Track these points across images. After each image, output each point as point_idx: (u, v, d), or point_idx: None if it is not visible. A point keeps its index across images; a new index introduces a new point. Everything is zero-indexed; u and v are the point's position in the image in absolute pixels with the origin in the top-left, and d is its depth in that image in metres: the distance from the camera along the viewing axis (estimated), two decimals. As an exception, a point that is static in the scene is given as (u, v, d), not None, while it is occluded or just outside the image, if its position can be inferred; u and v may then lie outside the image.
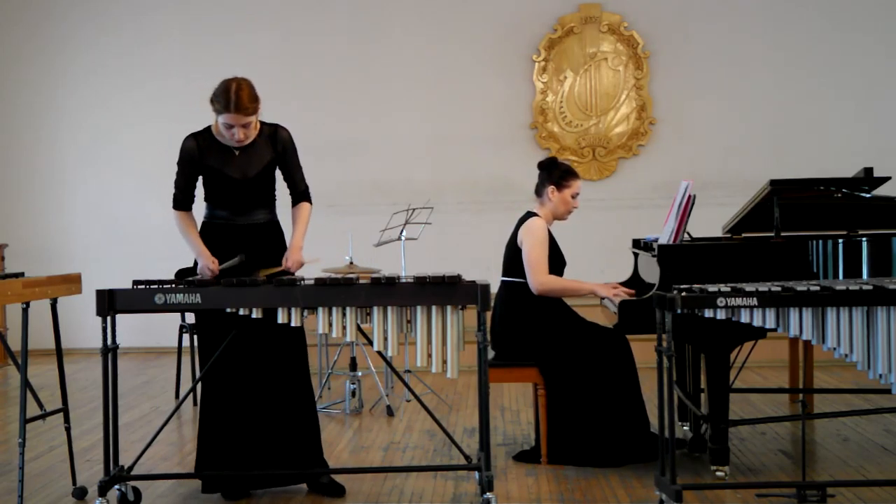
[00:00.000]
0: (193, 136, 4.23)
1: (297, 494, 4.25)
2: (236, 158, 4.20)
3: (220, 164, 4.19)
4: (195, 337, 6.49)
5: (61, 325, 4.36)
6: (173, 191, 4.28)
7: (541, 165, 4.89)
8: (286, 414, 4.20)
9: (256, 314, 3.84)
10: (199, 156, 4.20)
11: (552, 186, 4.80)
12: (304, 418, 4.23)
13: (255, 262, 4.20)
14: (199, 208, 4.33)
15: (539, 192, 4.87)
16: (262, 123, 4.26)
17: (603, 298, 5.04)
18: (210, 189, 4.26)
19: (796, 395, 5.78)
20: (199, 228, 4.29)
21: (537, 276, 4.67)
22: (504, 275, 4.85)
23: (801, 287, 3.71)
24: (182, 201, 4.27)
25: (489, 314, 4.14)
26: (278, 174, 4.32)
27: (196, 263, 4.23)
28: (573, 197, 4.82)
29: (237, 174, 4.19)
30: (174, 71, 8.77)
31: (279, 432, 4.19)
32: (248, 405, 4.17)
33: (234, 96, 4.02)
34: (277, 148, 4.25)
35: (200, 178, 4.27)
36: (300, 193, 4.36)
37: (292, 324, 3.86)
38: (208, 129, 4.24)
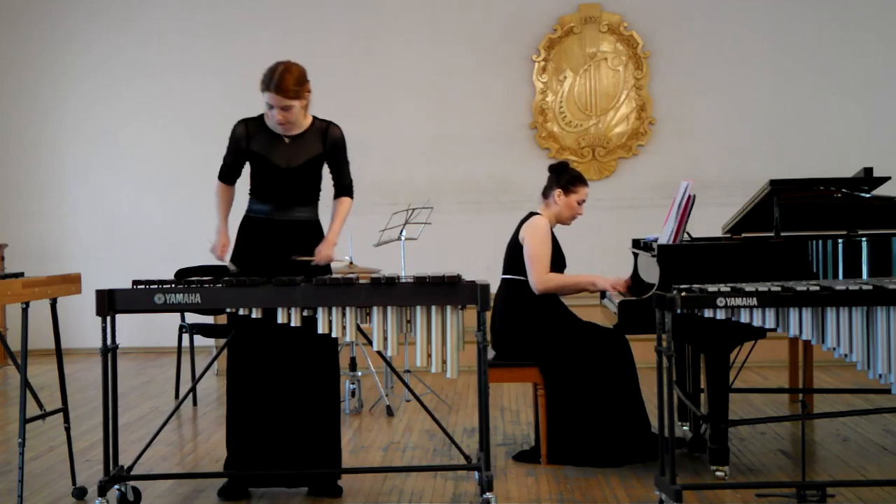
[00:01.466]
0: (244, 122, 4.25)
1: (297, 495, 4.24)
2: (284, 146, 4.20)
3: (267, 150, 4.19)
4: (193, 338, 6.54)
5: (61, 325, 4.36)
6: (221, 163, 4.31)
7: (551, 168, 4.91)
8: (310, 420, 4.19)
9: (256, 314, 3.84)
10: (246, 142, 4.21)
11: (559, 190, 4.81)
12: (327, 426, 4.22)
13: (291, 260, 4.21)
14: (243, 202, 4.35)
15: (546, 193, 4.88)
16: (315, 118, 4.27)
17: (604, 297, 5.05)
18: (255, 178, 4.27)
19: (796, 395, 5.78)
20: (239, 222, 4.29)
21: (538, 275, 4.68)
22: (504, 272, 4.85)
23: (800, 287, 3.71)
24: (227, 174, 4.32)
25: (489, 314, 4.15)
26: (325, 174, 4.32)
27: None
28: (579, 203, 4.83)
29: (282, 162, 4.19)
30: (174, 71, 8.77)
31: (303, 436, 4.19)
32: (275, 408, 4.17)
33: (278, 77, 4.03)
34: (327, 145, 4.26)
35: (248, 165, 4.29)
36: (344, 187, 4.35)
37: (292, 324, 3.85)
38: (261, 115, 4.24)
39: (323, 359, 4.23)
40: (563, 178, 4.83)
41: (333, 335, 3.89)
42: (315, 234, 4.32)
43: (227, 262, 4.26)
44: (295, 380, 4.19)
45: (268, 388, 4.18)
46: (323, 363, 4.23)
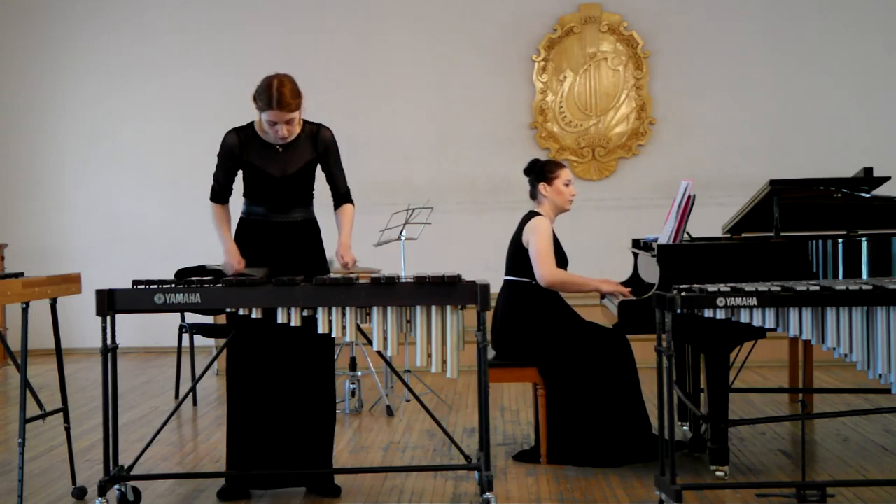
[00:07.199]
0: (235, 132, 4.22)
1: (296, 496, 4.25)
2: (278, 155, 4.19)
3: (261, 160, 4.18)
4: (193, 338, 6.53)
5: (61, 325, 4.36)
6: (212, 182, 4.28)
7: (526, 171, 4.91)
8: (307, 419, 4.21)
9: (256, 314, 3.84)
10: (239, 152, 4.20)
11: (542, 183, 4.82)
12: (323, 425, 4.25)
13: (290, 260, 4.19)
14: (237, 202, 4.32)
15: (533, 194, 4.88)
16: (305, 122, 4.24)
17: (603, 297, 5.04)
18: (249, 185, 4.26)
19: (796, 395, 5.78)
20: (236, 223, 4.30)
21: (545, 268, 4.65)
22: (507, 274, 4.85)
23: (800, 287, 3.71)
24: (219, 194, 4.29)
25: (489, 314, 4.15)
26: (318, 174, 4.32)
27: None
28: (566, 185, 4.83)
29: (277, 172, 4.18)
30: (174, 70, 8.77)
31: (299, 436, 4.20)
32: (274, 409, 4.18)
33: (277, 93, 4.02)
34: (319, 148, 4.24)
35: (240, 172, 4.28)
36: (342, 195, 4.33)
37: (292, 324, 3.86)
38: (251, 124, 4.23)
39: (321, 359, 4.24)
40: (540, 172, 4.84)
41: (333, 335, 3.90)
42: (312, 232, 4.32)
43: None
44: (293, 379, 4.20)
45: (267, 388, 4.19)
46: (321, 363, 4.24)
